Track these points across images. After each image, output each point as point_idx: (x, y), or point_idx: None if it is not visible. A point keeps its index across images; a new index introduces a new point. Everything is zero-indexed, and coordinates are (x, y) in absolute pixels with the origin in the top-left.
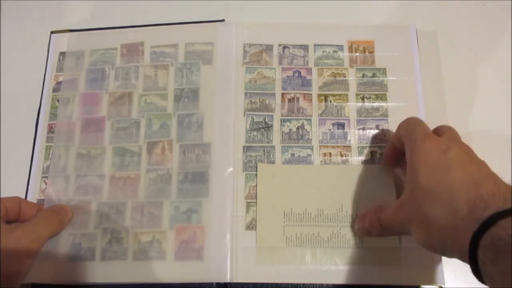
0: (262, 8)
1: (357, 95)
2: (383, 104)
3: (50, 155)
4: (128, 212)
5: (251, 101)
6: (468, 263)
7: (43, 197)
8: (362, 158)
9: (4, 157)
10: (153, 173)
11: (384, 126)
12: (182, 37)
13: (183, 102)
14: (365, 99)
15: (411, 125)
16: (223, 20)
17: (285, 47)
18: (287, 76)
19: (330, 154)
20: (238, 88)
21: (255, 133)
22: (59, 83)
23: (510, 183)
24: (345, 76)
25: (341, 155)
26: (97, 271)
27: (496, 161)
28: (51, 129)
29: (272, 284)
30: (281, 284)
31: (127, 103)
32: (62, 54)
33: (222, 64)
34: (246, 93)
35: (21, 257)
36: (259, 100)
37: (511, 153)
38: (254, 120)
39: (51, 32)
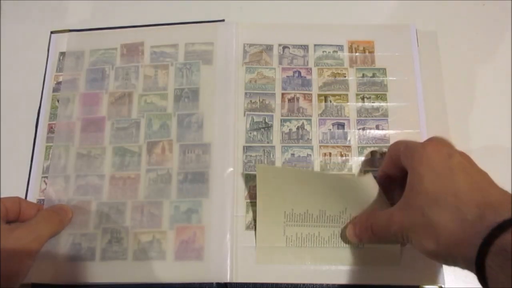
0: (262, 8)
1: (357, 95)
2: (383, 104)
3: (50, 155)
4: (128, 212)
5: (251, 101)
6: (473, 268)
7: (43, 197)
8: (362, 158)
9: (4, 157)
10: (153, 173)
11: (384, 126)
12: (182, 37)
13: (183, 102)
14: (365, 99)
15: (403, 140)
16: (223, 20)
17: (285, 47)
18: (287, 76)
19: (330, 154)
20: (238, 88)
21: (255, 133)
22: (59, 83)
23: (510, 183)
24: (345, 76)
25: (341, 155)
26: (97, 271)
27: (496, 161)
28: (51, 129)
29: (272, 284)
30: (281, 284)
31: (127, 103)
32: (62, 54)
33: (222, 64)
34: (246, 93)
35: (21, 257)
36: (259, 100)
37: (511, 153)
38: (254, 120)
39: (51, 32)
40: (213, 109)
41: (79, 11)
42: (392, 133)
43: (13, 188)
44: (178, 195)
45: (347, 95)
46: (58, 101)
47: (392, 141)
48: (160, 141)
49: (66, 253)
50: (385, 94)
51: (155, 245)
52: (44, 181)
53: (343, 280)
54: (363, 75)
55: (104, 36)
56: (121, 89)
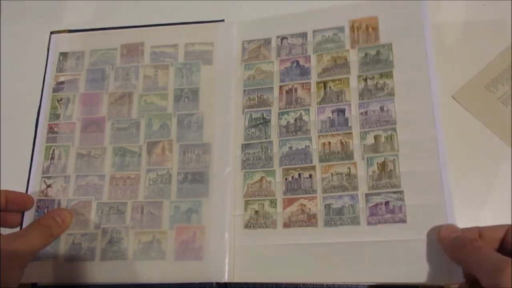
0: (262, 7)
1: (359, 77)
2: (388, 82)
3: (50, 155)
4: (128, 212)
5: (249, 98)
6: None
7: (43, 197)
8: (365, 143)
9: (4, 157)
10: (153, 173)
11: (389, 106)
12: (182, 37)
13: (183, 102)
14: (368, 80)
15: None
16: (223, 20)
17: (283, 38)
18: (285, 68)
19: (330, 143)
20: (238, 87)
21: (253, 129)
22: (59, 83)
23: (510, 183)
24: (346, 59)
25: (341, 143)
26: (97, 271)
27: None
28: (51, 129)
29: (272, 284)
30: (281, 284)
31: (127, 103)
32: (62, 54)
33: (222, 64)
34: (244, 91)
35: (17, 268)
36: (257, 96)
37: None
38: (252, 117)
39: (51, 33)
40: (213, 109)
41: (79, 11)
42: (400, 112)
43: (13, 188)
44: (178, 195)
45: (348, 78)
46: (58, 101)
47: (399, 122)
48: (160, 141)
49: (66, 253)
50: (391, 72)
51: (155, 245)
52: (44, 181)
53: (344, 280)
54: (366, 55)
55: (104, 36)
56: (121, 89)
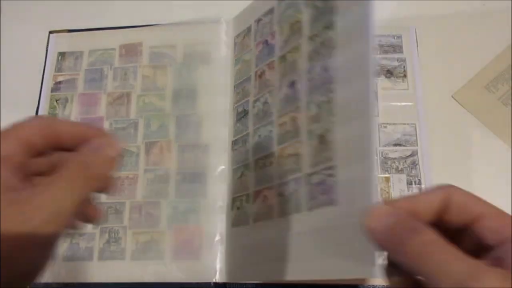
0: None
1: (309, 38)
2: (331, 34)
3: None
4: (126, 212)
5: (237, 92)
6: None
7: None
8: (310, 114)
9: None
10: (151, 173)
11: (330, 63)
12: (181, 38)
13: (181, 102)
14: (315, 38)
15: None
16: (220, 20)
17: (258, 20)
18: (258, 52)
19: (286, 123)
20: (231, 84)
21: (238, 124)
22: (57, 83)
23: (510, 182)
24: (299, 22)
25: (292, 120)
26: (95, 271)
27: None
28: None
29: (272, 284)
30: (280, 283)
31: (125, 103)
32: (61, 54)
33: (220, 64)
34: (234, 86)
35: (31, 247)
36: (241, 89)
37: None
38: (238, 111)
39: (50, 32)
40: (211, 109)
41: (79, 11)
42: (338, 67)
43: None
44: (176, 195)
45: (300, 45)
46: (56, 101)
47: (337, 80)
48: (158, 141)
49: (65, 253)
50: (334, 20)
51: (153, 245)
52: None
53: (286, 278)
54: (316, 8)
55: (103, 36)
56: (119, 89)
